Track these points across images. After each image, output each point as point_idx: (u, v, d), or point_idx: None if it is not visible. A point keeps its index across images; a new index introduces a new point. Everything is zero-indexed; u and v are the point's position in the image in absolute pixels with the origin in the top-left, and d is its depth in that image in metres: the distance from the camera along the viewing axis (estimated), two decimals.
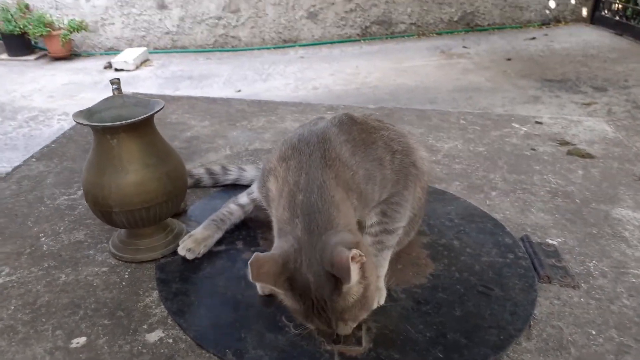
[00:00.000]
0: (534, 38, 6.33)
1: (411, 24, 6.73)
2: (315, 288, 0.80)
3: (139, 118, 1.00)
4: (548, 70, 5.20)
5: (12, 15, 5.65)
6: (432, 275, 1.14)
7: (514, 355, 0.95)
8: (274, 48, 6.43)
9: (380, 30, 6.68)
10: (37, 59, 5.90)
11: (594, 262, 1.22)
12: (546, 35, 6.46)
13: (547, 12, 6.85)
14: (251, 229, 1.27)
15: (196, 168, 1.49)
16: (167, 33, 6.29)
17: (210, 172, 1.47)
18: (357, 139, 0.98)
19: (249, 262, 0.79)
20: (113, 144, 1.03)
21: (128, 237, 1.16)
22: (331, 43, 6.53)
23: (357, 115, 1.05)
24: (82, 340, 0.94)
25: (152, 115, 1.04)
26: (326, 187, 0.87)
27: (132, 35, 6.22)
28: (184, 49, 6.34)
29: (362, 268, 0.81)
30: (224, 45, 6.42)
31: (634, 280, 1.16)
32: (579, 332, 1.01)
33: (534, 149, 1.80)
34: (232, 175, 1.47)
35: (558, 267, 1.19)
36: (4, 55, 5.91)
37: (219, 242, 1.20)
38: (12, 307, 1.01)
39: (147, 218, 1.09)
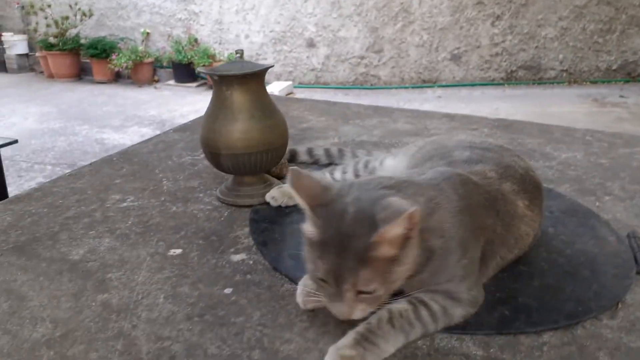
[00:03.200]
0: None
1: (562, 70, 6.41)
2: (350, 221, 0.75)
3: (249, 71, 1.16)
4: None
5: (182, 47, 6.54)
6: None
7: (591, 327, 0.88)
8: (412, 87, 6.55)
9: (527, 75, 6.47)
10: (197, 86, 6.72)
11: None
12: None
13: None
14: None
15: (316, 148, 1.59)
16: (312, 70, 6.77)
17: (328, 154, 1.57)
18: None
19: (292, 171, 0.80)
20: (227, 95, 1.19)
21: (233, 184, 1.31)
22: (472, 85, 6.47)
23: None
24: (178, 251, 1.08)
25: (261, 71, 1.19)
26: None
27: (281, 70, 6.79)
28: (325, 85, 6.74)
29: (407, 238, 0.75)
30: (363, 83, 6.71)
31: None
32: None
33: None
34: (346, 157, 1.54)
35: None
36: (172, 81, 6.83)
37: None
38: (130, 222, 1.20)
39: (248, 164, 1.22)
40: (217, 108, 1.21)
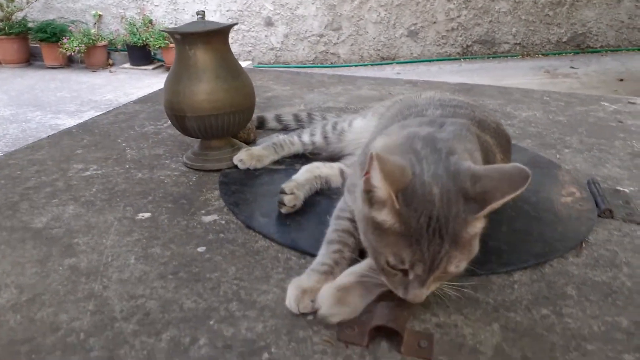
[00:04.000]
0: None
1: (515, 44, 6.55)
2: (441, 203, 0.69)
3: (213, 28, 1.13)
4: None
5: (137, 28, 6.33)
6: None
7: (558, 265, 0.92)
8: (371, 65, 6.56)
9: (482, 50, 6.58)
10: (154, 68, 6.53)
11: None
12: None
13: None
14: (311, 160, 1.33)
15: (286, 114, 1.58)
16: (272, 49, 6.68)
17: (297, 119, 1.56)
18: None
19: (372, 155, 0.67)
20: (190, 54, 1.16)
21: (200, 149, 1.28)
22: (430, 61, 6.54)
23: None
24: (147, 215, 1.06)
25: (225, 29, 1.16)
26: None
27: (239, 50, 6.67)
28: (285, 64, 6.67)
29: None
30: (323, 62, 6.67)
31: None
32: (636, 257, 0.95)
33: (621, 122, 1.70)
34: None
35: (625, 207, 1.12)
36: (127, 64, 6.61)
37: (279, 163, 1.28)
38: (94, 190, 1.16)
39: (215, 126, 1.19)
40: (181, 69, 1.18)
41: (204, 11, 1.30)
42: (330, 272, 0.82)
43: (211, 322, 0.76)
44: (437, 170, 0.72)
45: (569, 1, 6.32)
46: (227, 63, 1.19)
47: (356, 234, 0.89)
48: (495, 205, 0.68)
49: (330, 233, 0.90)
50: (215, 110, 1.17)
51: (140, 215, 1.05)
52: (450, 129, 0.87)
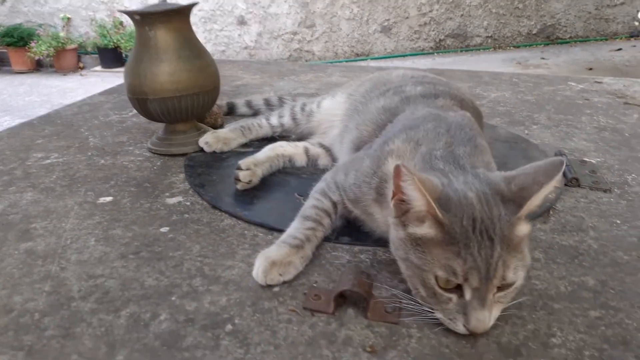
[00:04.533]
0: (619, 49, 6.01)
1: (487, 37, 6.63)
2: (481, 205, 0.64)
3: (172, 7, 1.10)
4: (633, 78, 4.90)
5: (107, 31, 6.23)
6: None
7: None
8: (346, 61, 6.57)
9: (455, 44, 6.64)
10: None
11: (633, 175, 1.14)
12: (634, 46, 6.11)
13: (637, 23, 6.49)
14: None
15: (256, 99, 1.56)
16: (245, 48, 6.64)
17: (268, 103, 1.53)
18: None
19: (398, 169, 0.64)
20: (151, 35, 1.13)
21: (164, 134, 1.25)
22: (403, 56, 6.57)
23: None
24: (109, 199, 1.03)
25: (186, 8, 1.13)
26: None
27: (212, 50, 6.62)
28: (260, 63, 6.64)
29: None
30: (298, 59, 6.65)
31: None
32: (602, 221, 0.95)
33: (587, 99, 1.72)
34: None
35: (591, 176, 1.12)
36: (98, 67, 6.50)
37: (247, 145, 1.26)
38: (54, 176, 1.12)
39: (179, 109, 1.17)
40: (141, 51, 1.15)
41: None
42: (301, 247, 0.80)
43: (173, 298, 0.74)
44: (467, 178, 0.69)
45: None
46: (189, 43, 1.17)
47: (333, 216, 0.88)
48: (535, 200, 0.65)
49: (308, 208, 0.88)
50: (178, 91, 1.14)
51: (102, 199, 1.02)
52: (461, 136, 0.82)
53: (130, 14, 1.12)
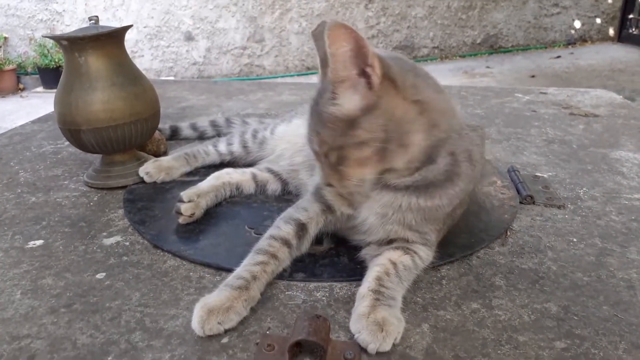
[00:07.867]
0: (559, 57, 6.26)
1: (434, 47, 6.77)
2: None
3: (103, 31, 1.02)
4: (573, 84, 5.10)
5: (48, 50, 5.98)
6: None
7: (485, 256, 0.89)
8: (298, 75, 6.55)
9: (403, 55, 6.75)
10: None
11: (584, 189, 1.14)
12: (572, 53, 6.38)
13: (573, 32, 6.78)
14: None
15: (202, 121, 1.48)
16: (194, 64, 6.52)
17: (214, 124, 1.46)
18: None
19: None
20: (81, 62, 1.05)
21: (101, 165, 1.16)
22: None
23: None
24: (39, 242, 0.93)
25: (118, 32, 1.06)
26: None
27: (160, 67, 6.47)
28: (210, 78, 6.53)
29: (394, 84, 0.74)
30: (249, 74, 6.58)
31: (626, 202, 1.08)
32: (559, 240, 0.94)
33: (534, 111, 1.74)
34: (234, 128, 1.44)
35: (544, 192, 1.12)
36: (40, 88, 6.23)
37: (192, 174, 1.19)
38: None
39: (115, 139, 1.09)
40: (71, 78, 1.06)
41: (97, 16, 1.19)
42: (245, 288, 0.74)
43: (109, 359, 0.66)
44: None
45: (479, 4, 6.62)
46: (124, 69, 1.09)
47: (294, 242, 0.83)
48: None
49: (263, 239, 0.83)
50: (113, 120, 1.06)
51: (31, 244, 0.93)
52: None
53: (57, 39, 1.03)
